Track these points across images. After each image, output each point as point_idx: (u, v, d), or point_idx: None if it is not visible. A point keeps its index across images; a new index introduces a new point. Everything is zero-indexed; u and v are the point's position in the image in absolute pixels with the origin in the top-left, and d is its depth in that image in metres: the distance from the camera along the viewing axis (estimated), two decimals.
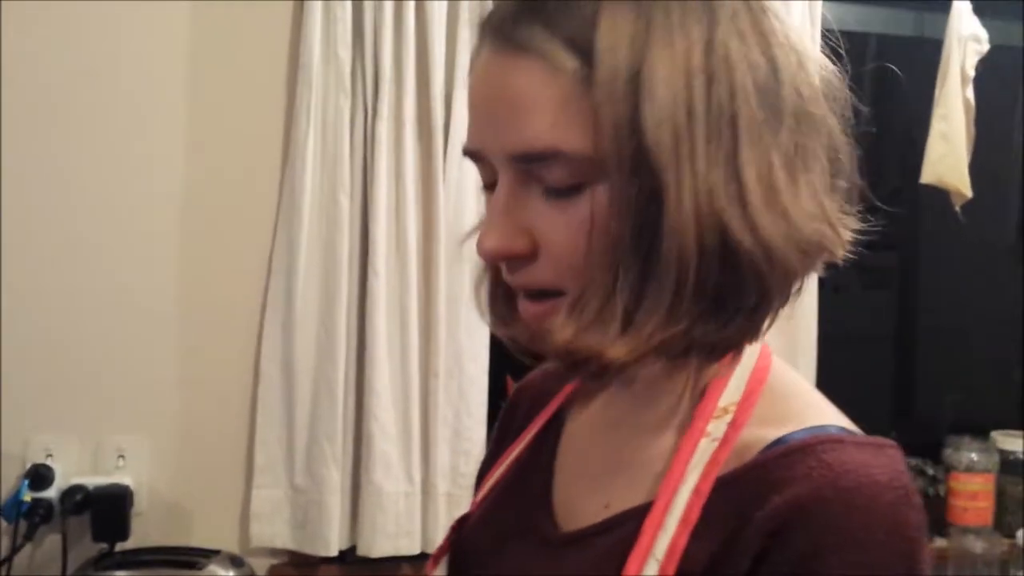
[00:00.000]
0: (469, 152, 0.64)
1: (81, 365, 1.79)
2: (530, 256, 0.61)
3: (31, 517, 1.70)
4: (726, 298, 0.58)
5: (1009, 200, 2.43)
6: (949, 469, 2.06)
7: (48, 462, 1.75)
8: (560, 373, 0.80)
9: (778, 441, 0.59)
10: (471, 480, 1.82)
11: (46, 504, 1.72)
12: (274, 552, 1.86)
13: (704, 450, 0.60)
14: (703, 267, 0.56)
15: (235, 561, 1.72)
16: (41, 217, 1.77)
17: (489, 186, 0.64)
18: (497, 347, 1.90)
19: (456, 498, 1.87)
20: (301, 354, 1.81)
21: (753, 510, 0.55)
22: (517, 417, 0.83)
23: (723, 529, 0.57)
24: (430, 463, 1.86)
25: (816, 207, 0.60)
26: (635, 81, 0.56)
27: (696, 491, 0.58)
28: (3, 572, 1.67)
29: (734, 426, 0.61)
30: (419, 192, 1.84)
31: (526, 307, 0.63)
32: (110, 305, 1.80)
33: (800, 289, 0.62)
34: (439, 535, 1.84)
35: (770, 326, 0.62)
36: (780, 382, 0.64)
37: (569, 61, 0.57)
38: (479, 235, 0.62)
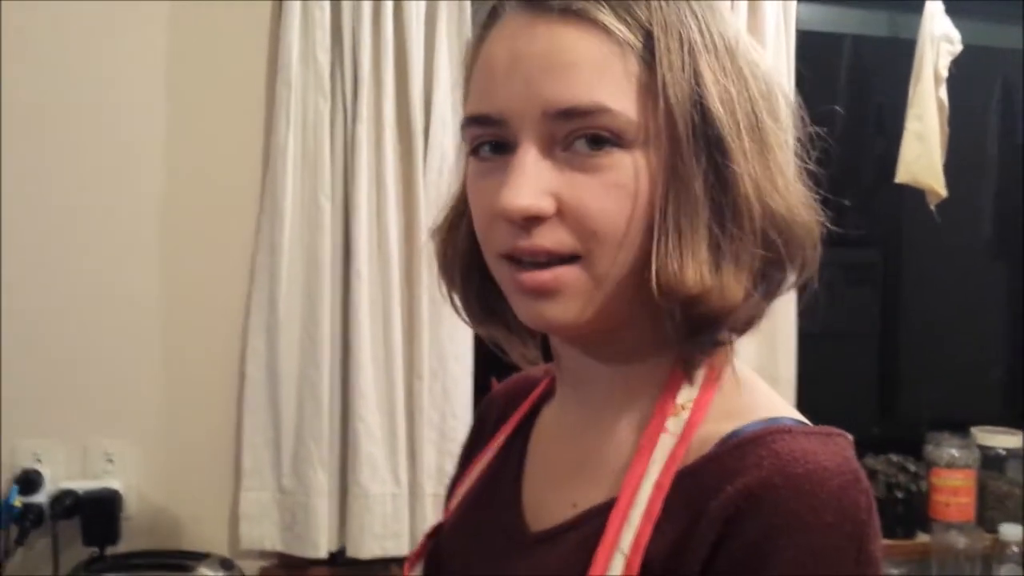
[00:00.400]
0: (479, 115, 0.64)
1: (68, 370, 1.80)
2: (551, 218, 0.61)
3: (22, 522, 1.71)
4: (763, 274, 0.64)
5: (983, 199, 2.46)
6: (931, 465, 2.07)
7: (37, 467, 1.76)
8: (530, 381, 0.83)
9: (733, 434, 0.61)
10: None
11: (36, 509, 1.73)
12: (263, 554, 1.88)
13: (664, 445, 0.63)
14: (758, 235, 0.62)
15: (225, 564, 1.73)
16: (23, 223, 1.78)
17: (477, 149, 0.65)
18: (481, 348, 1.92)
19: (442, 498, 1.86)
20: (285, 357, 1.82)
21: (708, 500, 0.57)
22: (487, 425, 0.85)
23: (682, 520, 0.59)
24: (416, 464, 1.88)
25: (807, 197, 0.67)
26: (692, 70, 0.62)
27: (657, 485, 0.61)
28: None
29: (691, 422, 0.63)
30: (399, 194, 1.85)
31: (532, 276, 0.63)
32: (94, 310, 1.81)
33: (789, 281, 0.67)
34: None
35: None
36: (736, 378, 0.67)
37: (626, 34, 0.61)
38: (501, 193, 0.61)
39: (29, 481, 1.74)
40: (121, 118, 1.82)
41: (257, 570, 1.87)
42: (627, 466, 0.63)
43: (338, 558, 1.88)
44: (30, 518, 1.72)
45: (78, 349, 1.81)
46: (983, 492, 2.09)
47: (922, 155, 2.01)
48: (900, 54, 2.10)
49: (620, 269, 0.62)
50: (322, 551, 1.83)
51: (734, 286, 0.61)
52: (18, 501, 1.72)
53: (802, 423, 0.63)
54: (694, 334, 0.63)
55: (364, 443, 1.83)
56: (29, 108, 1.78)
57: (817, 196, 0.68)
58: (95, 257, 1.81)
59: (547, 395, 0.80)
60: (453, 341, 1.89)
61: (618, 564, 0.59)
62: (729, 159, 0.61)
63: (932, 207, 2.04)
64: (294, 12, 1.80)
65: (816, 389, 2.00)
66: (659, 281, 0.61)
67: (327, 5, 1.81)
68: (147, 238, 1.83)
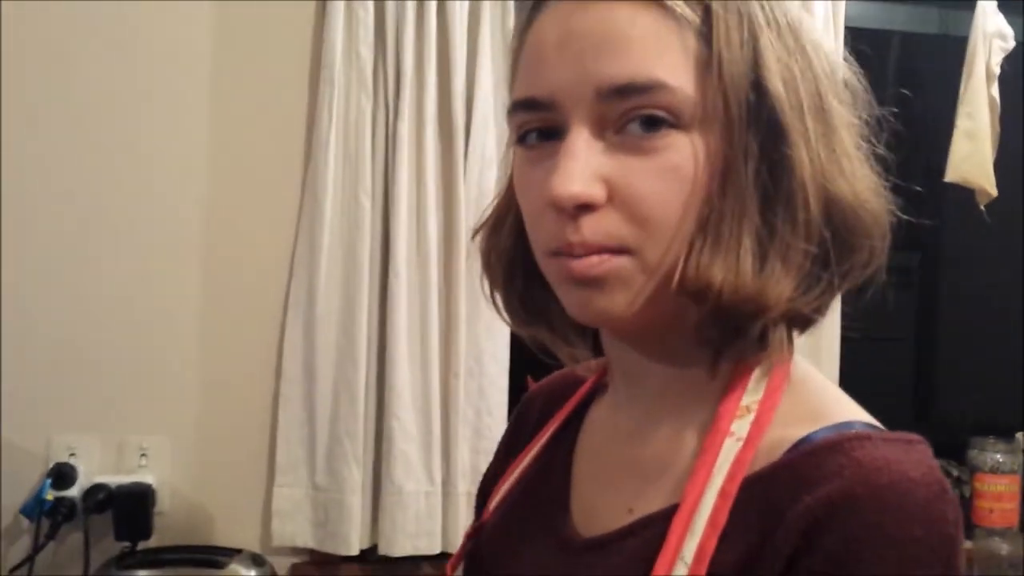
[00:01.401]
0: (527, 99, 0.61)
1: (104, 365, 1.80)
2: (602, 207, 0.58)
3: (54, 516, 1.71)
4: (826, 263, 0.60)
5: None
6: (974, 470, 2.04)
7: (71, 461, 1.76)
8: (573, 379, 0.79)
9: (805, 439, 0.57)
10: None
11: (68, 503, 1.73)
12: (295, 551, 1.87)
13: (729, 450, 0.59)
14: (816, 223, 0.59)
15: (256, 560, 1.72)
16: (64, 218, 1.78)
17: (524, 137, 0.62)
18: (518, 347, 1.89)
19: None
20: (322, 354, 1.81)
21: (784, 511, 0.54)
22: (528, 422, 0.82)
23: (752, 531, 0.56)
24: (451, 463, 1.86)
25: (875, 183, 0.63)
26: (752, 47, 0.59)
27: (722, 493, 0.57)
28: (26, 570, 1.68)
29: (758, 425, 0.60)
30: (440, 192, 1.84)
31: (581, 263, 0.59)
32: (132, 305, 1.80)
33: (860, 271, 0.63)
34: (459, 535, 1.84)
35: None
36: (801, 379, 0.63)
37: (684, 9, 0.58)
38: (551, 180, 0.58)
39: (62, 475, 1.74)
40: (165, 116, 1.81)
41: (289, 566, 1.86)
42: (688, 471, 0.60)
43: (370, 555, 1.87)
44: (62, 512, 1.72)
45: (115, 345, 1.80)
46: None
47: (973, 154, 1.97)
48: (951, 51, 2.06)
49: (672, 260, 0.59)
50: (354, 548, 1.83)
51: (778, 285, 0.58)
52: (50, 495, 1.72)
53: (876, 427, 0.59)
54: (736, 335, 0.60)
55: (398, 440, 1.82)
56: (76, 105, 1.77)
57: (887, 183, 0.64)
58: (134, 252, 1.81)
59: (595, 393, 0.77)
60: (490, 339, 1.88)
61: (680, 573, 0.56)
62: (786, 143, 0.58)
63: (982, 206, 1.99)
64: (338, 10, 1.79)
65: (856, 392, 1.96)
66: (683, 277, 0.58)
67: (371, 4, 1.80)
68: (187, 234, 1.83)
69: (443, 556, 1.85)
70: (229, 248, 1.84)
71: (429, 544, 1.85)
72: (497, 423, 1.88)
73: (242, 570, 1.69)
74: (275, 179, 1.85)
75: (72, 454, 1.77)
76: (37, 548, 1.70)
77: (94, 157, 1.79)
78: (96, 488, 1.74)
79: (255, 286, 1.85)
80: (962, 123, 1.99)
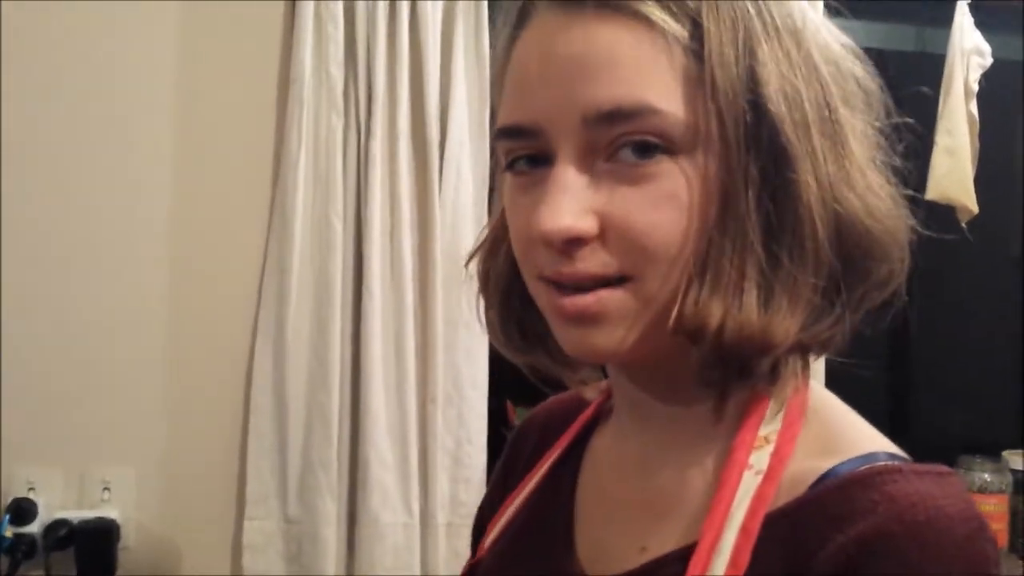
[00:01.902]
0: (512, 127, 0.58)
1: (65, 394, 1.74)
2: (594, 239, 0.55)
3: (13, 554, 1.65)
4: (838, 289, 0.56)
5: (1012, 214, 2.40)
6: None
7: (30, 495, 1.70)
8: (571, 404, 0.75)
9: (830, 472, 0.54)
10: (471, 510, 1.76)
11: (28, 539, 1.67)
12: None
13: (748, 484, 0.55)
14: (825, 250, 0.55)
15: None
16: (23, 243, 1.72)
17: (513, 164, 0.59)
18: (496, 372, 1.85)
19: (456, 528, 1.81)
20: (293, 380, 1.77)
21: (814, 551, 0.51)
22: (524, 452, 0.78)
23: (776, 571, 0.52)
24: (429, 492, 1.81)
25: (892, 196, 0.59)
26: (748, 62, 0.55)
27: (744, 530, 0.53)
28: None
29: (778, 457, 0.56)
30: (414, 212, 1.80)
31: (574, 301, 0.56)
32: (95, 331, 1.76)
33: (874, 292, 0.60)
34: (439, 567, 1.79)
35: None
36: (820, 406, 0.60)
37: (671, 25, 0.55)
38: (538, 214, 0.55)
39: (21, 510, 1.69)
40: (128, 132, 1.77)
41: None
42: (704, 506, 0.56)
43: None
44: (22, 549, 1.66)
45: (77, 373, 1.75)
46: (1015, 518, 2.02)
47: (953, 170, 1.96)
48: (929, 68, 2.05)
49: (671, 293, 0.55)
50: None
51: (784, 322, 0.54)
52: (9, 531, 1.67)
53: (902, 457, 0.56)
54: (741, 374, 0.56)
55: (375, 470, 1.77)
56: (29, 120, 1.72)
57: (905, 195, 0.60)
58: (97, 277, 1.76)
59: (596, 421, 0.72)
60: (469, 365, 1.83)
61: None
62: (790, 167, 0.54)
63: (963, 224, 1.98)
64: (307, 27, 1.75)
65: None
66: (680, 315, 0.54)
67: (340, 19, 1.77)
68: (152, 257, 1.78)
69: None
70: (195, 272, 1.80)
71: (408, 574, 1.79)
72: (477, 451, 1.84)
73: None
74: (242, 201, 1.81)
75: (31, 488, 1.71)
76: None
77: (50, 176, 1.73)
78: (57, 523, 1.69)
79: (222, 311, 1.80)
80: (941, 140, 1.98)
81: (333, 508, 1.76)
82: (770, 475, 0.55)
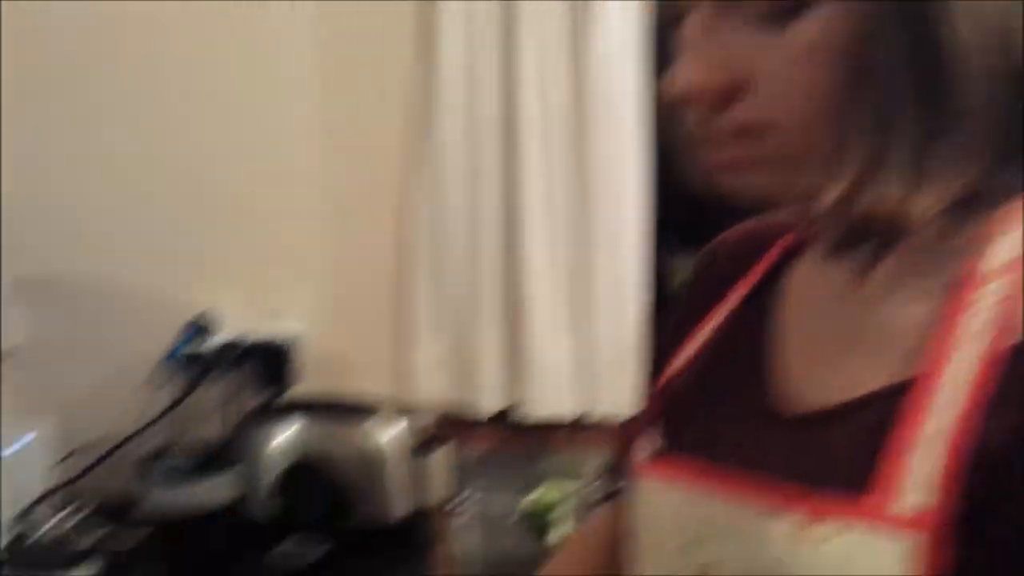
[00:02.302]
0: None
1: (238, 220, 1.79)
2: (731, 93, 0.52)
3: (190, 372, 1.69)
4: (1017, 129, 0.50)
5: None
6: None
7: (208, 316, 1.74)
8: (766, 231, 0.70)
9: None
10: (630, 344, 1.75)
11: (206, 357, 1.71)
12: (431, 411, 1.83)
13: (981, 314, 0.50)
14: (991, 93, 0.49)
15: (395, 416, 1.69)
16: (185, 71, 1.76)
17: (671, 22, 0.56)
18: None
19: (614, 363, 1.79)
20: (453, 213, 1.77)
21: None
22: (713, 276, 0.73)
23: (1014, 409, 0.47)
24: (589, 327, 1.80)
25: None
26: None
27: (988, 360, 0.49)
28: (164, 422, 1.68)
29: (1018, 286, 0.50)
30: (569, 52, 1.74)
31: (726, 153, 0.55)
32: (258, 162, 1.79)
33: None
34: (597, 399, 1.79)
35: None
36: None
37: None
38: (672, 72, 0.54)
39: (199, 329, 1.73)
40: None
41: (425, 425, 1.82)
42: (919, 344, 0.52)
43: (506, 417, 1.83)
44: (200, 365, 1.70)
45: (247, 202, 1.79)
46: None
47: None
48: None
49: (883, 140, 0.50)
50: (489, 411, 1.80)
51: (930, 202, 0.50)
52: (189, 349, 1.71)
53: None
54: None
55: (538, 304, 1.77)
56: None
57: None
58: (251, 116, 1.79)
59: (794, 250, 0.67)
60: (627, 203, 1.78)
61: (932, 449, 0.48)
62: None
63: None
64: None
65: None
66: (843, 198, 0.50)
67: None
68: (304, 91, 1.79)
69: (579, 422, 1.81)
70: (348, 103, 1.80)
71: (566, 408, 1.80)
72: (635, 288, 1.81)
73: (380, 426, 1.66)
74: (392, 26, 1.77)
75: (209, 309, 1.75)
76: (175, 402, 1.69)
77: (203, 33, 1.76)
78: (233, 342, 1.72)
79: (377, 145, 1.81)
80: None
81: (496, 339, 1.78)
82: (1009, 303, 0.50)
